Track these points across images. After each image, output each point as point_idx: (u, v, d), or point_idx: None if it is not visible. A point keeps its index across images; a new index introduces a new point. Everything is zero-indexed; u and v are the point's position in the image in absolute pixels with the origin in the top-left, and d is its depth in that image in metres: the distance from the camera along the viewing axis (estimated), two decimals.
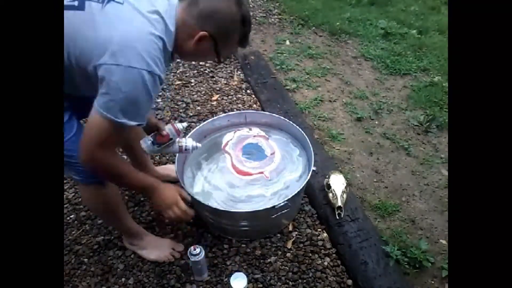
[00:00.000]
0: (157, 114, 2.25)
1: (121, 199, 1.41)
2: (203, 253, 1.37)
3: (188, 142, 1.48)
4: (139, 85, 0.97)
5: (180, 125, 1.46)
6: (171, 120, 2.23)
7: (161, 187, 1.23)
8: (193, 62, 2.74)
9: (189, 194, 1.47)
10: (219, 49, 1.11)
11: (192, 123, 2.16)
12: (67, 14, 0.98)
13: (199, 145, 1.51)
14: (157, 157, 1.99)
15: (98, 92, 1.01)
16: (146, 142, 1.41)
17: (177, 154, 1.60)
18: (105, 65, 0.95)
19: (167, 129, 1.43)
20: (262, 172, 1.63)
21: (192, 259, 1.36)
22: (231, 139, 1.78)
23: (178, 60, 2.73)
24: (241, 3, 1.08)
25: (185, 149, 1.49)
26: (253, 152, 1.72)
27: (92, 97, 1.05)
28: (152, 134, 1.42)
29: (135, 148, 1.65)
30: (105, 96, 0.98)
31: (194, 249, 1.36)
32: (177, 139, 1.46)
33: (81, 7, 1.00)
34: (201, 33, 1.06)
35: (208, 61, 1.08)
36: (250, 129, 1.82)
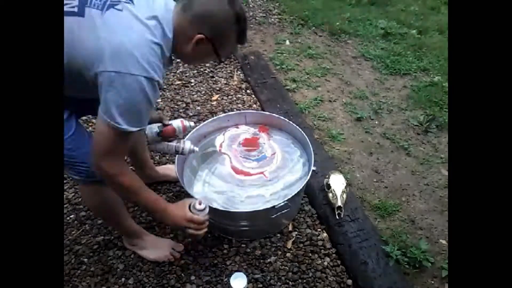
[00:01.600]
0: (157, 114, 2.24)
1: (121, 199, 1.41)
2: (207, 209, 1.26)
3: (186, 144, 1.48)
4: (138, 91, 0.98)
5: (188, 123, 1.47)
6: (179, 112, 2.23)
7: (169, 209, 1.24)
8: None
9: (188, 194, 1.47)
10: (218, 49, 1.12)
11: (187, 132, 2.15)
12: (67, 20, 0.98)
13: (196, 148, 1.51)
14: (157, 157, 1.99)
15: (98, 96, 1.02)
16: (151, 130, 1.40)
17: (177, 155, 1.60)
18: (105, 72, 0.97)
19: (175, 124, 1.43)
20: (262, 173, 1.63)
21: (197, 214, 1.24)
22: (223, 141, 1.78)
23: (178, 60, 2.74)
24: (234, 1, 1.08)
25: (182, 152, 1.48)
26: (253, 147, 1.72)
27: (92, 98, 1.06)
28: (160, 124, 1.42)
29: (136, 148, 1.66)
30: (106, 103, 0.99)
31: (200, 204, 1.23)
32: (177, 139, 1.46)
33: (81, 13, 1.01)
34: (198, 36, 1.07)
35: (210, 62, 1.10)
36: (238, 127, 1.82)
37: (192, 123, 1.49)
